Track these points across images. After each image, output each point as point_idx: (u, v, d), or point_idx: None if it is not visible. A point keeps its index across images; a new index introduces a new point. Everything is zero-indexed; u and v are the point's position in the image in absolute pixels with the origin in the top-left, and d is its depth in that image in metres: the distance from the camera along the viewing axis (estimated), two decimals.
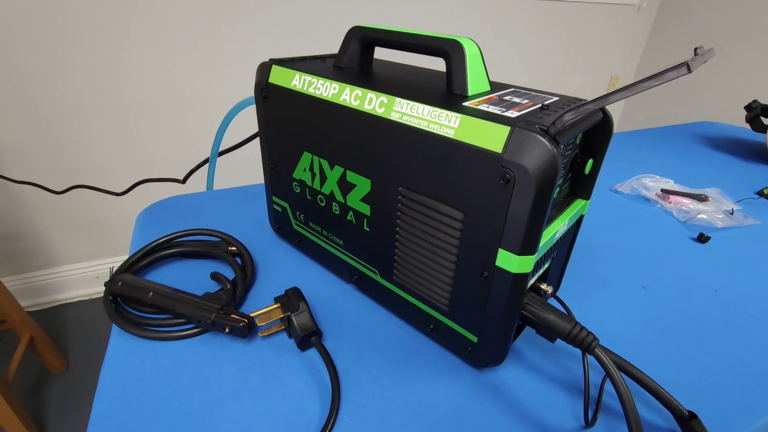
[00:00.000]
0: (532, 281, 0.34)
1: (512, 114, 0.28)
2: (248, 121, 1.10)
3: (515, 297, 0.30)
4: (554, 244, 0.34)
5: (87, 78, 1.01)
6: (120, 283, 0.39)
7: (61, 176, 1.06)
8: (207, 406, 0.32)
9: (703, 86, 1.63)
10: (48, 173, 1.04)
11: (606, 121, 0.33)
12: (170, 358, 0.35)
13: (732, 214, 0.62)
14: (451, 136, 0.28)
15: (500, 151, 0.26)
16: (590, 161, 0.34)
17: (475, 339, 0.34)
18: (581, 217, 0.38)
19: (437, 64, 1.25)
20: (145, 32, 1.01)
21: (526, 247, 0.28)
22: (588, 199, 0.37)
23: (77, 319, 1.20)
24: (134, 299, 0.39)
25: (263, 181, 0.63)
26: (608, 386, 0.34)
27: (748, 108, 0.88)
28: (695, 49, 0.23)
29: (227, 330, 0.36)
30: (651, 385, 0.30)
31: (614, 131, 1.92)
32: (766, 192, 0.70)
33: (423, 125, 0.30)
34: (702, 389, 0.35)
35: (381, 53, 1.16)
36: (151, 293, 0.38)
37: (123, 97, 1.05)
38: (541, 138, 0.25)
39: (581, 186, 0.36)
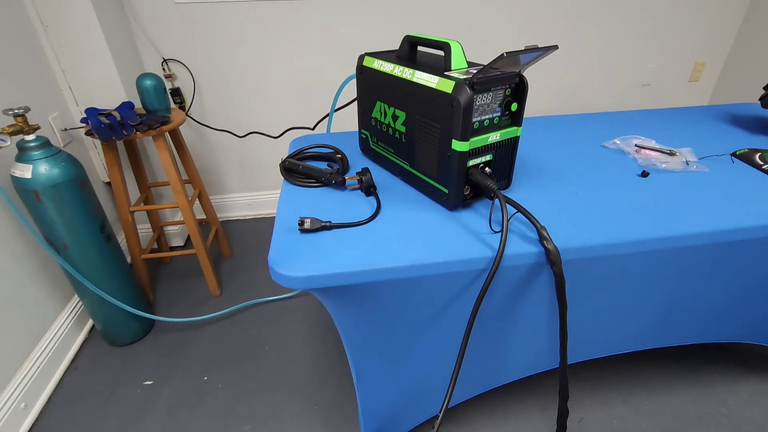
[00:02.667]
0: (476, 162, 0.66)
1: (462, 77, 0.62)
2: (350, 92, 1.53)
3: (462, 164, 0.64)
4: (490, 145, 0.66)
5: (258, 66, 1.53)
6: (287, 162, 0.82)
7: (243, 127, 1.62)
8: (325, 208, 0.72)
9: None
10: (235, 125, 1.62)
11: (522, 81, 0.64)
12: (309, 194, 0.77)
13: (687, 164, 0.84)
14: (434, 87, 0.63)
15: (450, 92, 0.60)
16: (515, 104, 0.66)
17: (446, 191, 0.68)
18: (517, 137, 0.69)
19: None
20: (292, 38, 1.49)
21: (463, 137, 0.62)
22: (520, 126, 0.68)
23: (236, 231, 1.77)
24: (293, 170, 0.81)
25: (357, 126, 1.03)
26: (523, 221, 0.66)
27: (766, 87, 1.01)
28: (526, 46, 0.55)
29: (333, 182, 0.76)
30: (526, 213, 0.62)
31: (708, 101, 1.92)
32: (737, 153, 0.88)
33: (425, 83, 0.65)
34: (568, 227, 0.65)
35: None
36: (300, 166, 0.80)
37: (280, 77, 1.56)
38: (466, 86, 0.59)
39: (515, 119, 0.68)
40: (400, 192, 0.77)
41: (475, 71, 0.65)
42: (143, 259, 1.30)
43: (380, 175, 0.83)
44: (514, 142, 0.70)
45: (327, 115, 1.05)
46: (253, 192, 1.81)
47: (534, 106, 1.83)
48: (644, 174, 0.80)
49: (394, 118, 0.75)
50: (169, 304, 1.38)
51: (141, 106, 1.25)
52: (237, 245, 1.68)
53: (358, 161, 0.89)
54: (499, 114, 0.66)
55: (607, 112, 1.17)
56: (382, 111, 0.78)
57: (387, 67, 0.73)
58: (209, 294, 1.41)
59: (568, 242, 0.62)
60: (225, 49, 1.49)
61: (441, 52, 0.71)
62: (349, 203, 0.73)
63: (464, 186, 0.67)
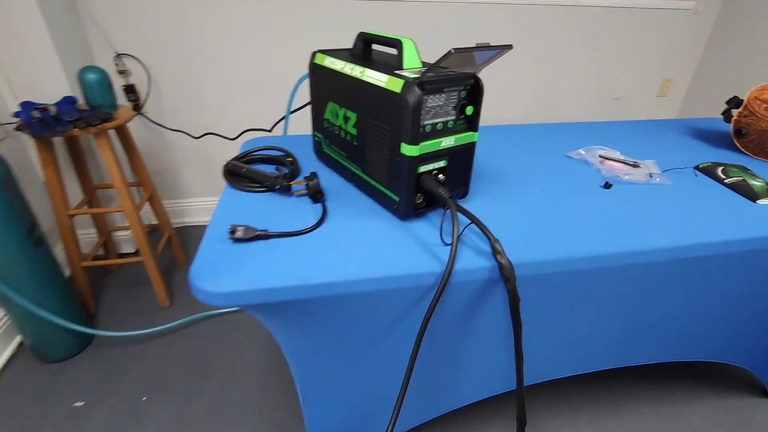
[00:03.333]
0: (429, 168, 0.61)
1: (413, 76, 0.57)
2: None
3: (412, 170, 0.59)
4: (443, 150, 0.61)
5: (218, 64, 1.46)
6: (230, 164, 0.76)
7: (199, 128, 1.54)
8: (267, 216, 0.65)
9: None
10: (192, 125, 1.53)
11: (477, 83, 0.60)
12: (251, 199, 0.70)
13: (651, 177, 0.81)
14: (383, 86, 0.58)
15: (399, 92, 0.55)
16: (470, 107, 0.61)
17: (397, 199, 0.63)
18: (473, 143, 0.65)
19: None
20: (255, 35, 1.43)
21: (413, 140, 0.57)
22: (476, 131, 0.64)
23: (194, 238, 1.68)
24: (236, 173, 0.75)
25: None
26: (477, 233, 0.61)
27: (728, 103, 1.00)
28: (477, 43, 0.50)
29: (278, 187, 0.70)
30: (479, 224, 0.57)
31: (676, 116, 1.94)
32: (700, 166, 0.86)
33: (374, 82, 0.60)
34: (525, 240, 0.60)
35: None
36: (244, 169, 0.74)
37: (241, 76, 1.49)
38: (415, 86, 0.54)
39: (471, 124, 0.63)
40: (351, 199, 0.71)
41: (426, 70, 0.60)
42: (84, 267, 1.19)
43: (333, 181, 0.77)
44: (470, 148, 0.65)
45: (284, 117, 0.99)
46: (213, 197, 1.72)
47: (505, 116, 1.82)
48: (607, 185, 0.77)
49: (346, 119, 0.70)
50: (113, 315, 1.27)
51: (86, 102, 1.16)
52: (194, 253, 1.58)
53: (311, 165, 0.83)
54: (453, 118, 0.62)
55: (574, 122, 1.15)
56: (334, 112, 0.72)
57: (338, 64, 0.68)
58: (158, 305, 1.31)
59: (523, 256, 0.57)
60: (183, 45, 1.42)
61: (395, 51, 0.66)
62: (294, 211, 0.67)
63: (416, 193, 0.62)
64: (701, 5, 1.66)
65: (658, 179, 0.80)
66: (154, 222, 1.64)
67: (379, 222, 0.65)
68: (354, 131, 0.68)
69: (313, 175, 0.70)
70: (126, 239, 1.52)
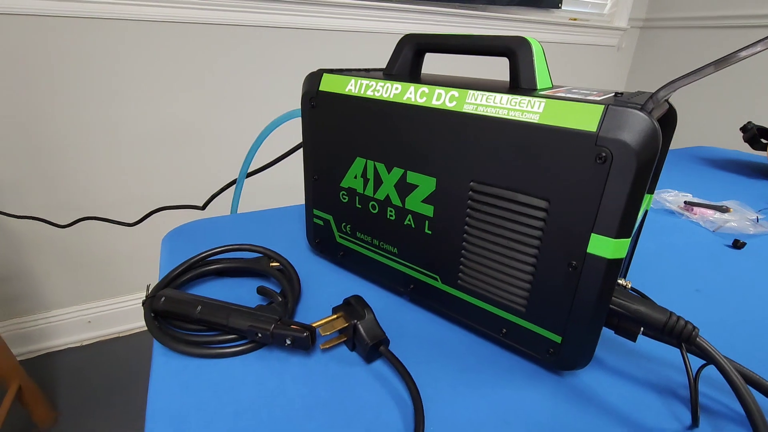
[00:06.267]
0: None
1: (596, 98, 0.28)
2: (263, 148, 1.10)
3: (608, 286, 0.29)
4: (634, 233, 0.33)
5: (92, 114, 1.00)
6: (163, 298, 0.36)
7: (67, 212, 1.02)
8: (278, 424, 0.28)
9: (684, 115, 1.74)
10: (52, 209, 1.01)
11: (671, 110, 0.33)
12: (226, 375, 0.32)
13: (758, 222, 0.63)
14: (536, 121, 0.28)
15: (595, 130, 0.26)
16: None
17: (558, 339, 0.32)
18: (646, 212, 0.38)
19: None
20: (147, 69, 1.02)
21: (623, 228, 0.27)
22: (652, 194, 0.37)
23: (67, 368, 1.11)
24: (179, 315, 0.36)
25: (287, 204, 0.62)
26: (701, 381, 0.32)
27: (744, 129, 0.92)
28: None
29: (288, 342, 0.33)
30: (756, 379, 0.28)
31: None
32: None
33: (502, 114, 0.30)
34: None
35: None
36: (199, 307, 0.35)
37: (137, 128, 1.04)
38: (641, 113, 0.25)
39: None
40: (427, 337, 0.38)
41: (592, 92, 0.32)
42: None
43: (360, 292, 0.42)
44: (643, 218, 0.38)
45: (230, 184, 0.62)
46: (95, 302, 1.18)
47: None
48: (737, 244, 0.56)
49: (404, 189, 0.37)
50: None
51: None
52: (69, 394, 1.02)
53: (308, 268, 0.47)
54: None
55: None
56: (372, 175, 0.39)
57: (384, 89, 0.36)
58: None
59: None
60: (37, 86, 0.94)
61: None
62: (336, 393, 0.31)
63: (602, 326, 0.31)
64: (623, 41, 1.73)
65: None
66: None
67: (518, 386, 0.32)
68: (427, 210, 0.36)
69: (359, 306, 0.35)
70: None
